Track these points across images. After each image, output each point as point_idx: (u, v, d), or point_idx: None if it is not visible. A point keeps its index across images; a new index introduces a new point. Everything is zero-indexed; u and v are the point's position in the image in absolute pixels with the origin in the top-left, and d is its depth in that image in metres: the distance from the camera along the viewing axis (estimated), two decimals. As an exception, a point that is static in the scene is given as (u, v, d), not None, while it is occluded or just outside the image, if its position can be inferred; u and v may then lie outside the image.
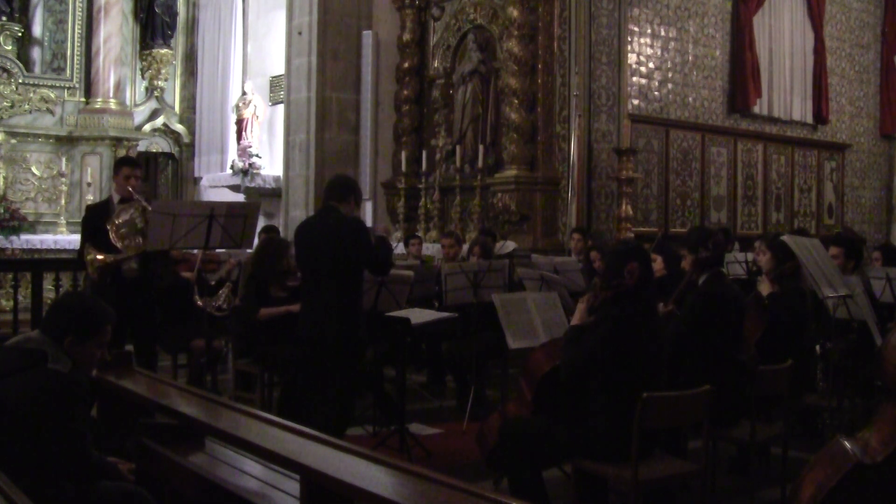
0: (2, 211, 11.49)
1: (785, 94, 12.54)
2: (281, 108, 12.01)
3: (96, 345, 3.17)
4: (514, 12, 9.73)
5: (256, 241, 6.61)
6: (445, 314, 5.71)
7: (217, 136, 13.44)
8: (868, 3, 13.96)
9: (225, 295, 6.07)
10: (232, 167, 12.65)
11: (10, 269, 9.39)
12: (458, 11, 10.68)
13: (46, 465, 2.88)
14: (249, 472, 3.16)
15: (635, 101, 10.50)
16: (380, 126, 11.26)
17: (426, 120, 11.10)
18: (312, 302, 4.98)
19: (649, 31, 10.79)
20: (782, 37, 12.51)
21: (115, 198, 6.01)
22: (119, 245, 5.73)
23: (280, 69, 11.95)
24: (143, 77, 13.62)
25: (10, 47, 12.12)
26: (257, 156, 12.60)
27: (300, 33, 11.15)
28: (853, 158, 13.74)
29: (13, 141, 11.93)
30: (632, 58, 10.41)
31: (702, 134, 11.35)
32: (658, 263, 5.29)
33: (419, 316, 5.45)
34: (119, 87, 12.67)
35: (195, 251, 5.73)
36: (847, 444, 1.98)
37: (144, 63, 13.54)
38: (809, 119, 12.91)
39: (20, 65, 12.13)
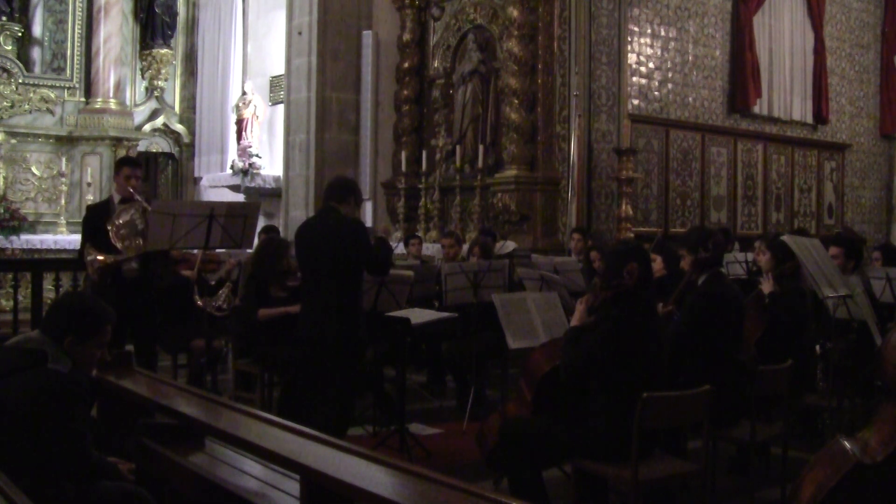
0: (2, 211, 11.49)
1: (785, 94, 12.55)
2: (281, 108, 12.01)
3: (96, 345, 3.17)
4: (514, 12, 9.73)
5: (256, 241, 6.61)
6: (445, 314, 5.72)
7: (217, 136, 13.44)
8: (868, 3, 13.96)
9: (225, 295, 6.07)
10: (232, 167, 12.66)
11: (10, 269, 9.39)
12: (458, 11, 10.68)
13: (46, 465, 2.88)
14: (249, 472, 3.15)
15: (635, 101, 10.50)
16: (380, 126, 11.26)
17: (426, 120, 11.10)
18: (312, 302, 4.99)
19: (649, 31, 10.79)
20: (782, 37, 12.51)
21: (116, 198, 6.00)
22: (119, 246, 5.73)
23: (280, 69, 11.95)
24: (143, 77, 13.63)
25: (10, 47, 12.12)
26: (257, 156, 12.60)
27: (300, 33, 11.15)
28: (853, 158, 13.74)
29: (13, 141, 11.93)
30: (632, 58, 10.41)
31: (702, 134, 11.35)
32: (658, 263, 5.29)
33: (419, 316, 5.46)
34: (119, 87, 12.67)
35: (195, 251, 5.73)
36: (847, 444, 1.98)
37: (144, 63, 13.55)
38: (809, 119, 12.92)
39: (20, 65, 12.13)
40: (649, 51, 10.79)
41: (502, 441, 3.89)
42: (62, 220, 11.91)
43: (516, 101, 9.75)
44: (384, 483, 2.46)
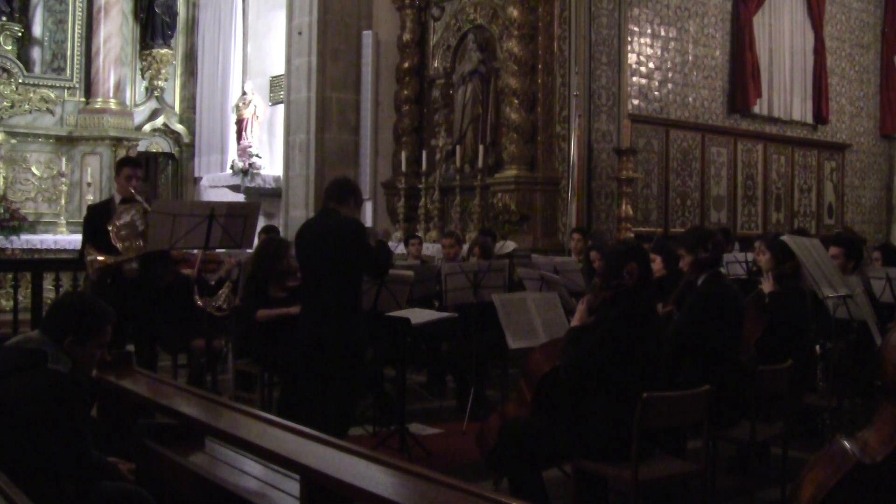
0: (2, 211, 11.49)
1: (785, 94, 12.55)
2: (281, 108, 12.01)
3: (96, 345, 3.17)
4: (514, 12, 9.73)
5: (256, 241, 6.61)
6: (445, 314, 5.72)
7: (217, 136, 13.44)
8: (868, 3, 13.96)
9: (225, 295, 6.08)
10: (232, 167, 12.66)
11: (10, 269, 9.39)
12: (458, 11, 10.68)
13: (46, 465, 2.88)
14: (249, 472, 3.15)
15: (635, 101, 10.50)
16: (380, 126, 11.26)
17: (426, 120, 11.10)
18: (312, 302, 4.99)
19: (649, 31, 10.79)
20: (782, 37, 12.52)
21: (117, 198, 6.01)
22: (119, 247, 5.73)
23: (280, 69, 11.95)
24: (143, 77, 13.63)
25: (10, 47, 12.12)
26: (257, 156, 12.60)
27: (300, 33, 11.15)
28: (853, 158, 13.74)
29: (13, 141, 11.93)
30: (632, 58, 10.41)
31: (702, 134, 11.35)
32: (657, 263, 5.29)
33: (419, 316, 5.46)
34: (119, 87, 12.67)
35: (195, 251, 5.73)
36: (847, 444, 1.98)
37: (144, 63, 13.55)
38: (809, 119, 12.92)
39: (20, 65, 12.13)
40: (649, 51, 10.79)
41: (502, 441, 3.89)
42: (62, 220, 11.91)
43: (516, 101, 9.75)
44: (384, 483, 2.46)
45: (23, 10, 12.33)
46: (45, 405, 2.89)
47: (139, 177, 6.05)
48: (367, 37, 11.20)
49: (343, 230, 4.91)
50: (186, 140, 13.92)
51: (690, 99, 11.31)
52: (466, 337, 6.40)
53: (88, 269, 5.83)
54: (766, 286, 5.43)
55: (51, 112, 12.32)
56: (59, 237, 11.60)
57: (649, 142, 10.70)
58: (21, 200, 11.92)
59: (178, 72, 13.96)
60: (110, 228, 5.73)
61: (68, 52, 12.45)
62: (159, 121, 13.73)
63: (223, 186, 12.84)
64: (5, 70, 11.99)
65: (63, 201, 11.99)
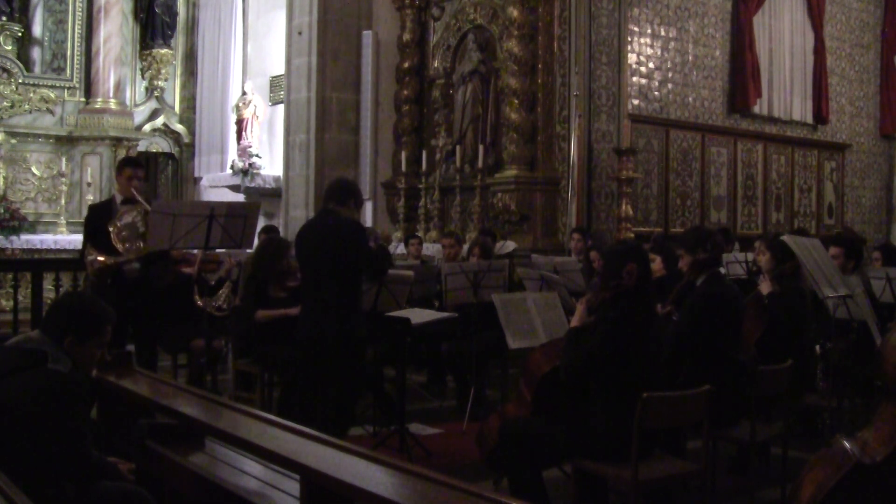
0: (2, 211, 11.49)
1: (785, 94, 12.54)
2: (281, 108, 12.01)
3: (96, 345, 3.17)
4: (514, 12, 9.73)
5: (256, 241, 6.61)
6: (445, 314, 5.72)
7: (217, 136, 13.44)
8: (868, 3, 13.96)
9: (225, 295, 6.07)
10: (232, 167, 12.66)
11: (10, 269, 9.39)
12: (458, 11, 10.68)
13: (46, 465, 2.88)
14: (249, 472, 3.15)
15: (635, 101, 10.50)
16: (380, 126, 11.26)
17: (426, 120, 11.10)
18: (312, 302, 5.00)
19: (649, 31, 10.79)
20: (782, 37, 12.51)
21: (118, 198, 6.00)
22: (120, 248, 5.73)
23: (280, 69, 11.95)
24: (143, 77, 13.63)
25: (10, 47, 12.13)
26: (257, 156, 12.60)
27: (300, 33, 11.15)
28: (853, 158, 13.74)
29: (13, 141, 11.93)
30: (632, 58, 10.41)
31: (702, 134, 11.35)
32: (657, 264, 5.29)
33: (419, 316, 5.46)
34: (119, 87, 12.67)
35: (195, 251, 5.73)
36: (847, 444, 1.98)
37: (144, 63, 13.55)
38: (809, 119, 12.91)
39: (20, 65, 12.14)
40: (649, 51, 10.79)
41: (502, 441, 3.90)
42: (62, 221, 11.91)
43: (516, 101, 9.75)
44: (384, 483, 2.46)
45: (23, 10, 12.34)
46: (45, 405, 2.89)
47: (141, 177, 6.05)
48: (367, 37, 11.20)
49: (343, 231, 4.92)
50: (186, 140, 13.92)
51: (690, 99, 11.30)
52: (466, 337, 6.40)
53: (88, 268, 5.83)
54: (764, 287, 5.43)
55: (51, 112, 12.32)
56: (59, 237, 11.61)
57: (649, 142, 10.70)
58: (21, 200, 11.93)
59: (178, 72, 13.96)
60: (111, 229, 5.72)
61: (68, 52, 12.46)
62: (159, 121, 13.73)
63: (223, 186, 12.84)
64: (5, 70, 11.99)
65: (63, 201, 12.00)
